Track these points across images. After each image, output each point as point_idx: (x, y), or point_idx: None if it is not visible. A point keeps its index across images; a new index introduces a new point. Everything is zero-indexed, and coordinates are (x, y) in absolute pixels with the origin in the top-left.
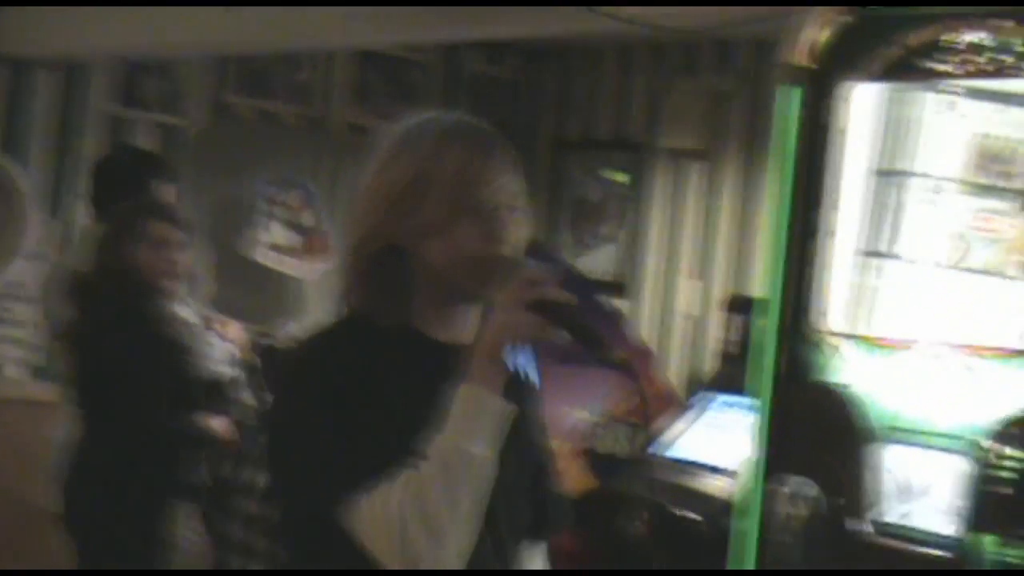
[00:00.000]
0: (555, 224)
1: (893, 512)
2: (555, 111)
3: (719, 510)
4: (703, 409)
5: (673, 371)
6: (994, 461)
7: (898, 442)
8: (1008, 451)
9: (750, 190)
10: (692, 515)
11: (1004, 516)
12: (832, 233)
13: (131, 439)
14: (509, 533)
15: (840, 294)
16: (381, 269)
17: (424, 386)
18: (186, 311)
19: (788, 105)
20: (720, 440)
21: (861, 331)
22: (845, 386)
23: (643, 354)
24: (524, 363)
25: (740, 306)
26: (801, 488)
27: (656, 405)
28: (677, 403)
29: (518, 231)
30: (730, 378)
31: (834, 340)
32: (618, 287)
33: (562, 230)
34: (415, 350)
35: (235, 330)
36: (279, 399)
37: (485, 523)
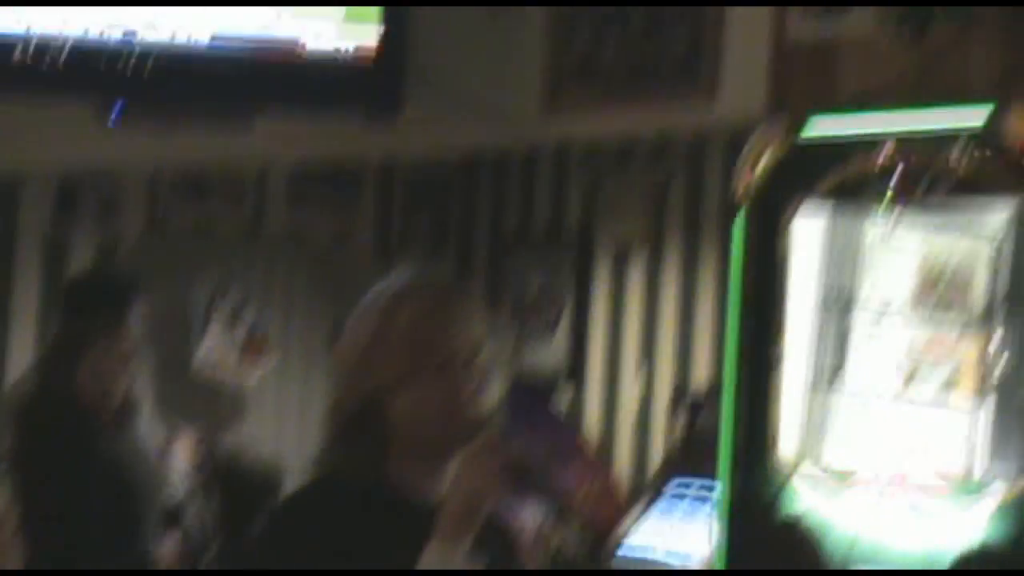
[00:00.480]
0: (495, 321)
1: None
2: (492, 206)
3: None
4: (655, 497)
5: (620, 461)
6: None
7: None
8: None
9: (691, 279)
10: None
11: None
12: (781, 363)
13: (74, 566)
14: None
15: (791, 424)
16: (354, 429)
17: (396, 547)
18: (140, 433)
19: (733, 239)
20: (674, 531)
21: (813, 461)
22: (799, 518)
23: (590, 452)
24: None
25: (686, 398)
26: None
27: (604, 502)
28: (624, 501)
29: (481, 382)
30: (680, 465)
31: (789, 469)
32: (561, 381)
33: (503, 327)
34: (387, 512)
35: (182, 446)
36: (257, 555)
37: None
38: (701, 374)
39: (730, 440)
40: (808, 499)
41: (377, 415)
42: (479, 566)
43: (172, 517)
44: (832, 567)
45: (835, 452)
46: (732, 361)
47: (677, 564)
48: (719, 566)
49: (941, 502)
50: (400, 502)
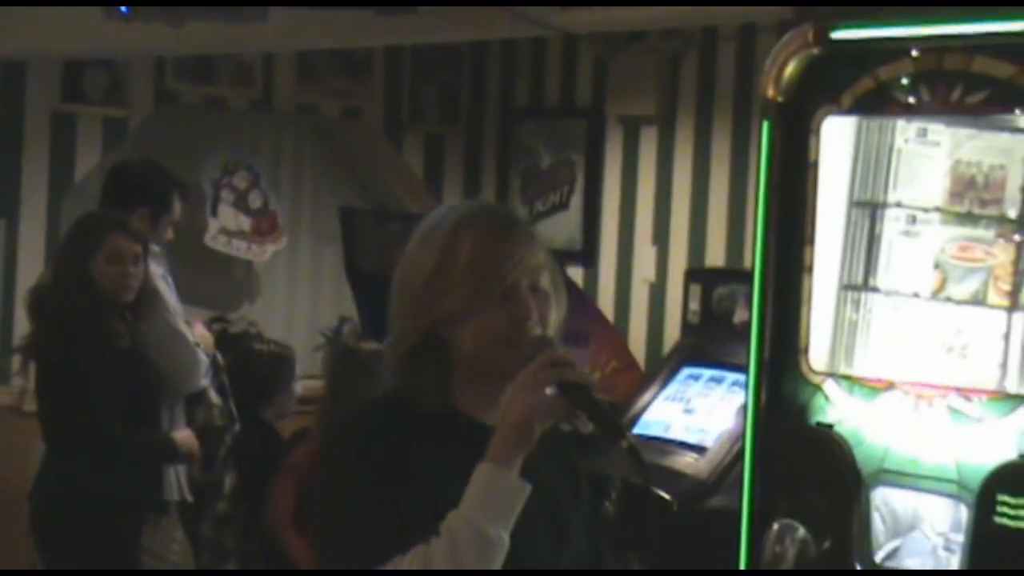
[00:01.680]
0: (506, 193)
1: (882, 551)
2: (502, 79)
3: (690, 489)
4: (669, 381)
5: (634, 340)
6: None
7: (887, 484)
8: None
9: (704, 155)
10: (663, 494)
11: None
12: (810, 268)
13: (96, 453)
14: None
15: (821, 330)
16: (420, 361)
17: (466, 464)
18: (159, 317)
19: (762, 140)
20: (689, 413)
21: (843, 369)
22: (830, 426)
23: (605, 328)
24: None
25: (701, 275)
26: (788, 529)
27: (621, 380)
28: (640, 376)
29: (546, 307)
30: (693, 349)
31: (816, 379)
32: (575, 255)
33: (514, 199)
34: (459, 432)
35: (200, 330)
36: (326, 470)
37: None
38: (716, 253)
39: (759, 346)
40: (840, 406)
41: (441, 345)
42: (524, 494)
43: (192, 398)
44: (862, 480)
45: (868, 357)
46: (761, 266)
47: (693, 441)
48: (747, 475)
49: (977, 407)
50: (469, 423)
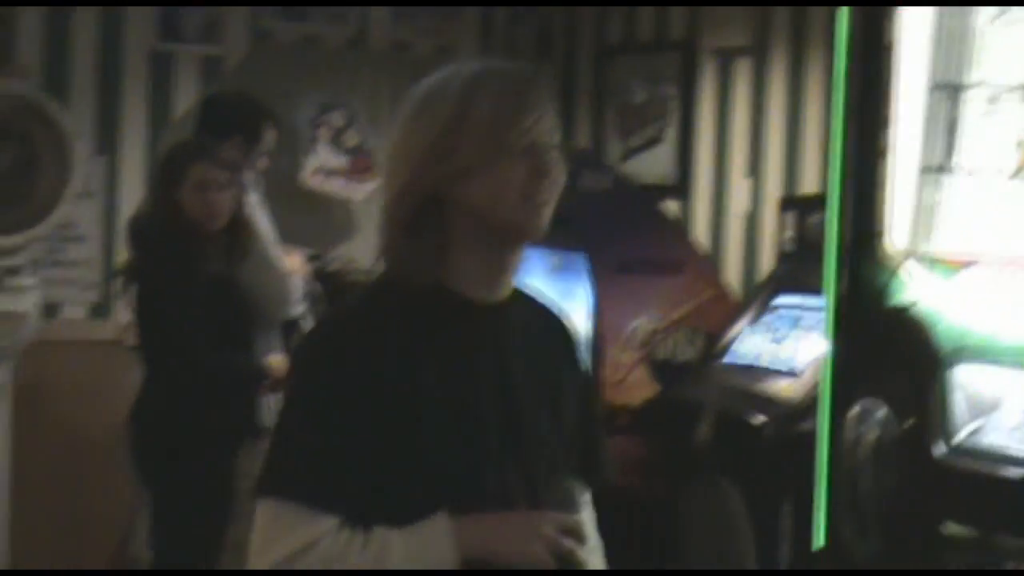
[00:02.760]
0: (601, 129)
1: (964, 431)
2: (595, 14)
3: (784, 413)
4: (762, 310)
5: (729, 271)
6: None
7: (967, 360)
8: None
9: (798, 85)
10: (757, 418)
11: None
12: (889, 150)
13: (189, 378)
14: (559, 481)
15: (901, 212)
16: (418, 223)
17: (455, 348)
18: (252, 248)
19: (839, 24)
20: (781, 341)
21: (924, 249)
22: (911, 305)
23: (701, 259)
24: (573, 273)
25: (794, 204)
26: (870, 409)
27: (715, 309)
28: (735, 306)
29: (559, 168)
30: (788, 276)
31: (898, 259)
32: (670, 189)
33: (608, 135)
34: (448, 310)
35: (295, 260)
36: (293, 376)
37: (535, 470)
38: (810, 183)
39: (837, 229)
40: (919, 286)
41: (446, 207)
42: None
43: (288, 326)
44: (943, 357)
45: (949, 237)
46: (841, 150)
47: (786, 367)
48: (829, 357)
49: None
50: (461, 301)
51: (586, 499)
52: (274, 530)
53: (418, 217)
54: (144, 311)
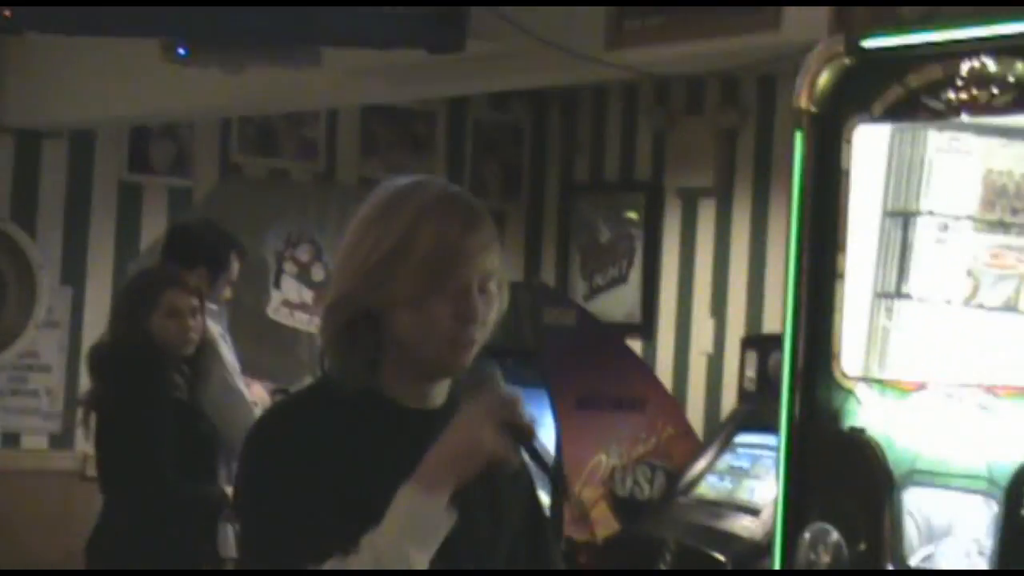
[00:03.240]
0: (565, 267)
1: (916, 555)
2: (562, 154)
3: (744, 551)
4: (724, 448)
5: (692, 409)
6: (1020, 501)
7: (918, 484)
8: None
9: (761, 226)
10: (718, 555)
11: None
12: (842, 275)
13: (149, 506)
14: None
15: (853, 336)
16: (353, 334)
17: (388, 452)
18: (216, 376)
19: (795, 149)
20: (742, 479)
21: (875, 373)
22: (861, 430)
23: (662, 394)
24: (537, 405)
25: (756, 343)
26: (822, 534)
27: (677, 446)
28: (696, 443)
29: (491, 311)
30: (749, 416)
31: (849, 383)
32: (634, 327)
33: (574, 273)
34: (381, 415)
35: (257, 390)
36: (240, 464)
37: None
38: (773, 322)
39: (792, 352)
40: (871, 410)
41: (377, 326)
42: (450, 524)
43: None
44: (894, 482)
45: (900, 363)
46: (794, 273)
47: (748, 504)
48: (782, 479)
49: (1006, 404)
50: (394, 407)
51: None
52: None
53: (349, 330)
54: (108, 437)
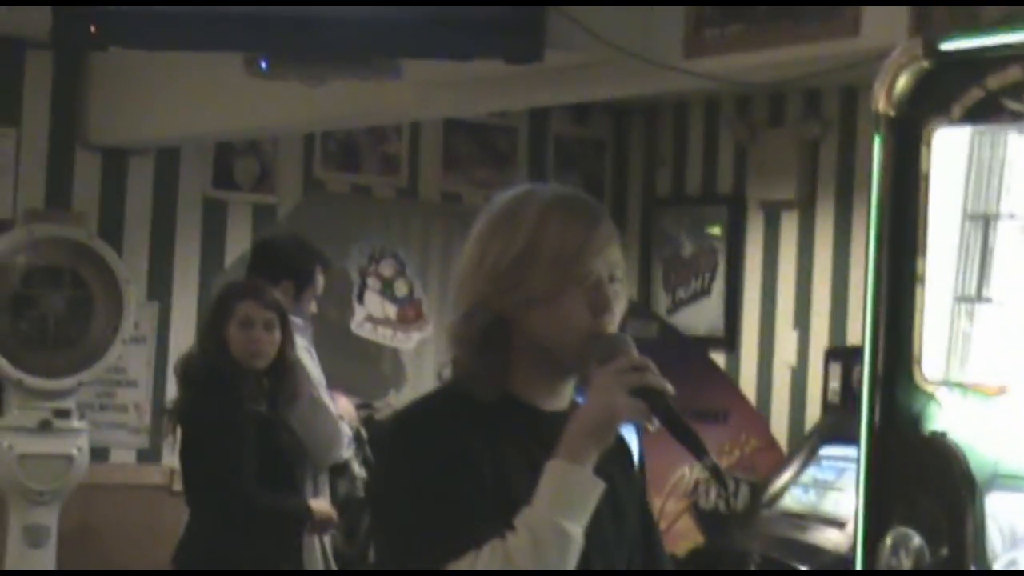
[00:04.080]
0: (649, 281)
1: (1000, 560)
2: (644, 168)
3: (829, 563)
4: (808, 460)
5: (776, 422)
6: None
7: (1001, 489)
8: None
9: (844, 238)
10: (802, 568)
11: None
12: (923, 279)
13: (231, 518)
14: None
15: (935, 341)
16: (487, 341)
17: (526, 454)
18: (297, 390)
19: (874, 153)
20: (827, 491)
21: (957, 378)
22: (943, 434)
23: (746, 407)
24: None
25: (840, 355)
26: (904, 539)
27: (761, 458)
28: (780, 456)
29: (620, 302)
30: (833, 427)
31: (930, 388)
32: (717, 340)
33: (657, 287)
34: (518, 418)
35: (344, 404)
36: (382, 466)
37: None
38: (856, 334)
39: (872, 357)
40: (953, 414)
41: (512, 329)
42: (599, 491)
43: (336, 469)
44: (976, 486)
45: (981, 367)
46: (874, 277)
47: (833, 516)
48: (863, 484)
49: None
50: (529, 410)
51: None
52: None
53: (486, 336)
54: (188, 448)
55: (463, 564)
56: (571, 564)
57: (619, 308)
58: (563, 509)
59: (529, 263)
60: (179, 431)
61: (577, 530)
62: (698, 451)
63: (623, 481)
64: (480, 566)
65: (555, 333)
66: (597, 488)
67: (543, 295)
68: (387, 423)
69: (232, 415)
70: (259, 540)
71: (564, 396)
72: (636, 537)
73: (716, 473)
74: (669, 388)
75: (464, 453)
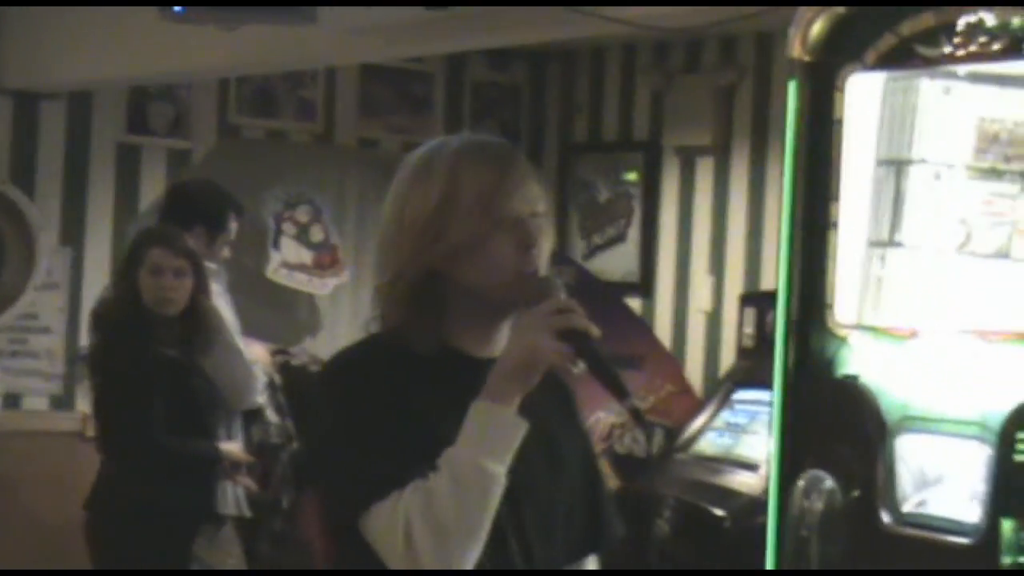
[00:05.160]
0: (565, 227)
1: (910, 502)
2: (561, 114)
3: (743, 506)
4: (722, 405)
5: (691, 367)
6: (1012, 445)
7: (911, 431)
8: (1020, 435)
9: (759, 183)
10: (717, 511)
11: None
12: (835, 224)
13: (143, 463)
14: (562, 545)
15: (847, 285)
16: (418, 298)
17: (461, 401)
18: (211, 337)
19: (789, 99)
20: (741, 435)
21: (869, 321)
22: (855, 377)
23: (661, 352)
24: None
25: (754, 300)
26: (816, 481)
27: (676, 403)
28: (695, 400)
29: (546, 236)
30: (747, 372)
31: (843, 332)
32: (632, 286)
33: (572, 233)
34: (452, 367)
35: (258, 350)
36: (313, 409)
37: (535, 535)
38: (771, 279)
39: (786, 302)
40: (865, 357)
41: (439, 280)
42: (521, 432)
43: (249, 415)
44: (887, 428)
45: (893, 311)
46: (788, 222)
47: (746, 460)
48: (776, 428)
49: (998, 349)
50: (464, 359)
51: (591, 562)
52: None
53: (418, 293)
54: (100, 394)
55: (387, 504)
56: (493, 503)
57: (545, 242)
58: (484, 448)
59: (449, 212)
60: (90, 377)
61: (499, 469)
62: (621, 394)
63: (563, 429)
64: (402, 505)
65: (485, 277)
66: (520, 428)
67: (467, 242)
68: (321, 368)
69: (142, 361)
70: (169, 484)
71: (499, 343)
72: (579, 488)
73: (637, 416)
74: (594, 330)
75: (396, 398)
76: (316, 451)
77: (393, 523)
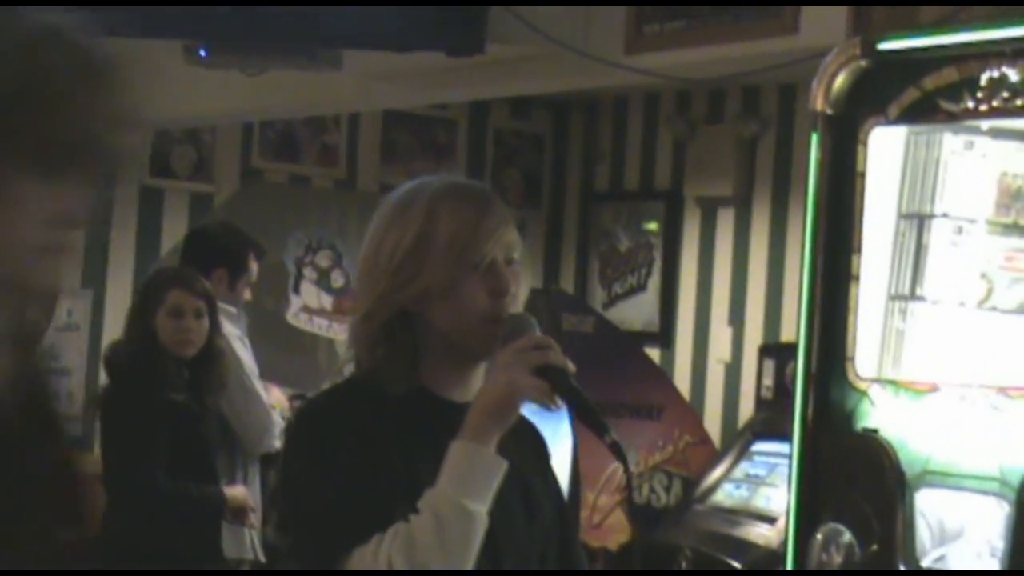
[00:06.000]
0: (586, 275)
1: (929, 556)
2: (582, 163)
3: (761, 558)
4: (741, 456)
5: (709, 417)
6: None
7: (930, 485)
8: None
9: (780, 234)
10: (734, 563)
11: None
12: (857, 277)
13: (146, 506)
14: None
15: (868, 338)
16: (390, 337)
17: (436, 445)
18: (243, 378)
19: (811, 151)
20: (759, 487)
21: (889, 375)
22: (875, 430)
23: (679, 402)
24: (557, 416)
25: (774, 351)
26: (835, 534)
27: (694, 454)
28: (713, 451)
29: (518, 283)
30: (766, 424)
31: (863, 385)
32: (652, 335)
33: (593, 281)
34: (427, 410)
35: (276, 394)
36: (289, 454)
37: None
38: (791, 330)
39: (806, 354)
40: (884, 411)
41: (412, 322)
42: (501, 471)
43: (267, 459)
44: (906, 482)
45: (914, 365)
46: (809, 274)
47: (765, 512)
48: (795, 480)
49: (1021, 409)
50: (439, 402)
51: None
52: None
53: (389, 332)
54: (107, 435)
55: (369, 548)
56: (475, 543)
57: (519, 290)
58: (465, 488)
59: (423, 254)
60: (102, 421)
61: (480, 509)
62: (600, 429)
63: (536, 471)
64: (384, 548)
65: (457, 321)
66: (499, 467)
67: (441, 285)
68: (302, 412)
69: (147, 405)
70: (174, 529)
71: (474, 386)
72: (552, 529)
73: (617, 451)
74: (571, 366)
75: (372, 442)
76: (294, 498)
77: (375, 567)
